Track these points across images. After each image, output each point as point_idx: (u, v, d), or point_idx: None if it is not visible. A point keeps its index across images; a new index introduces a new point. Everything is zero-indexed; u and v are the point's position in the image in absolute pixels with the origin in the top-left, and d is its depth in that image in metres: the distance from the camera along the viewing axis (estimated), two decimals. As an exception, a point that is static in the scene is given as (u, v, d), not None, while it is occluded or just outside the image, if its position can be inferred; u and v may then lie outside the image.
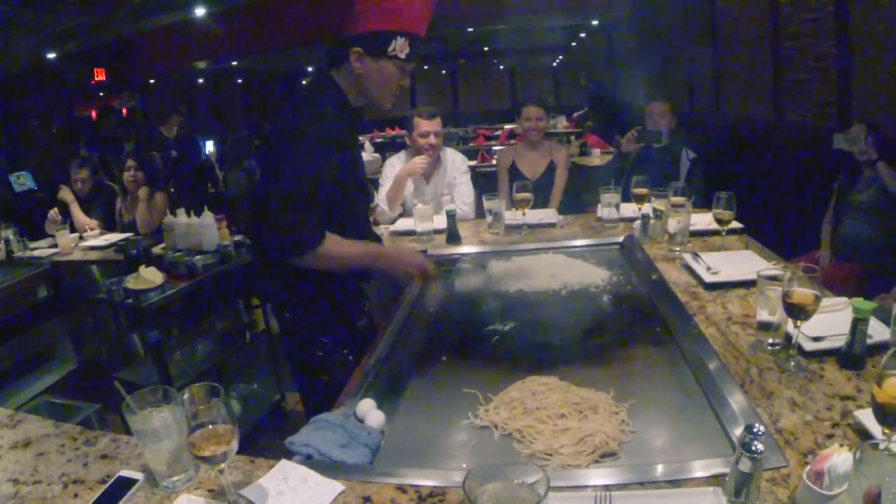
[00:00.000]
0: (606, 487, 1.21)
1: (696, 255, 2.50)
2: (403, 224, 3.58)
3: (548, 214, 3.49)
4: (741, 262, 2.42)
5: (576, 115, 10.51)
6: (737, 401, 1.47)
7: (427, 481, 1.27)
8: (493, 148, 8.50)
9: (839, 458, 1.07)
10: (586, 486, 1.22)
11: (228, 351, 3.88)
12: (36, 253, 4.33)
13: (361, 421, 1.51)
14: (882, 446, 1.05)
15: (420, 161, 3.64)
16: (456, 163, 3.92)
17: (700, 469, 1.24)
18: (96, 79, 10.31)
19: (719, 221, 2.65)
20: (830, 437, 1.32)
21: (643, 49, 8.55)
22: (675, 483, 1.21)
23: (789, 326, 1.65)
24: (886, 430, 1.18)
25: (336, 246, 2.03)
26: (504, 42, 13.32)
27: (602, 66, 11.55)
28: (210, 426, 1.18)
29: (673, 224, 2.77)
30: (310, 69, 12.96)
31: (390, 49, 1.99)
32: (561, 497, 1.16)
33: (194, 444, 1.16)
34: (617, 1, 8.89)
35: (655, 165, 3.91)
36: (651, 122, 4.16)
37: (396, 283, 2.45)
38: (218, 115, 14.19)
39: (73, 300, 4.25)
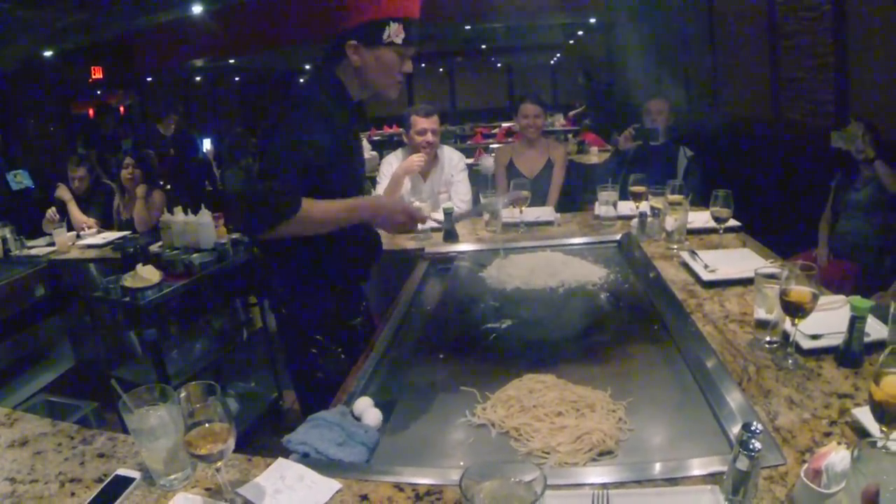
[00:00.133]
0: (604, 486, 1.20)
1: (693, 253, 2.50)
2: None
3: (545, 212, 3.49)
4: (739, 260, 2.42)
5: (572, 113, 10.50)
6: (734, 399, 1.47)
7: (424, 479, 1.26)
8: (491, 146, 8.49)
9: (837, 456, 1.07)
10: (583, 485, 1.22)
11: (226, 349, 3.88)
12: (33, 251, 4.32)
13: (358, 419, 1.51)
14: (880, 444, 1.05)
15: (417, 159, 3.64)
16: (453, 161, 3.92)
17: (698, 467, 1.24)
18: (94, 77, 10.28)
19: (717, 219, 2.65)
20: (828, 435, 1.32)
21: (641, 47, 8.53)
22: (672, 481, 1.21)
23: (787, 324, 1.65)
24: (884, 429, 1.18)
25: (314, 207, 1.96)
26: (501, 40, 13.32)
27: (600, 64, 11.54)
28: (207, 424, 1.18)
29: (670, 222, 2.77)
30: (307, 66, 12.93)
31: (385, 37, 1.98)
32: (558, 495, 1.16)
33: (191, 443, 1.16)
34: (615, -1, 8.90)
35: (653, 163, 3.90)
36: (649, 120, 4.15)
37: (393, 275, 2.43)
38: (215, 113, 14.17)
39: (71, 299, 4.24)
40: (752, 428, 1.08)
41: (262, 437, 3.48)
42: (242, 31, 9.64)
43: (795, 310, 1.56)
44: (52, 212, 4.53)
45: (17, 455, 1.43)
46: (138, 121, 11.12)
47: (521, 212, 3.26)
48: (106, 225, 4.85)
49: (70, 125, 9.95)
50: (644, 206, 3.02)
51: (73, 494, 1.28)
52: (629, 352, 1.92)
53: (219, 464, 1.20)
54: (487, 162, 2.87)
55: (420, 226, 3.22)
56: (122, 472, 1.32)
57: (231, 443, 1.18)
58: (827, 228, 3.95)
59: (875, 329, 1.68)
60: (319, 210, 1.98)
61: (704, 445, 1.37)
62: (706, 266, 2.35)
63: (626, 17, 8.75)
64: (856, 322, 1.54)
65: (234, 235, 3.75)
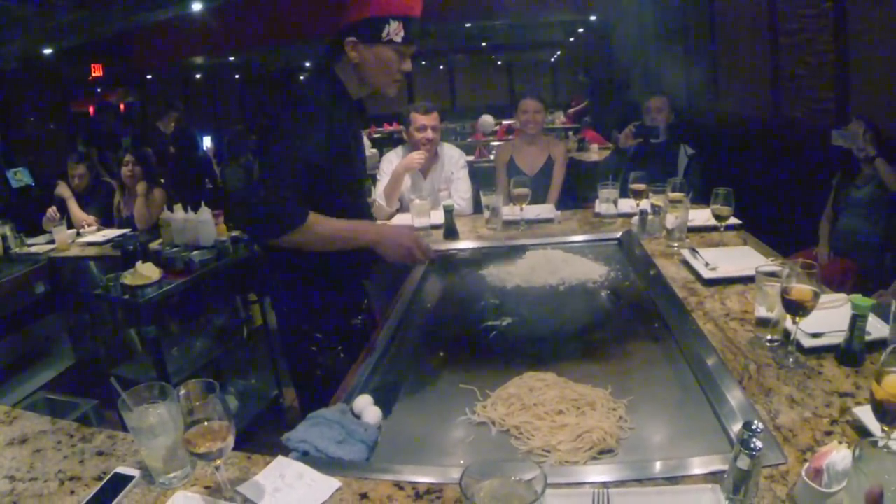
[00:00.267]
0: (604, 484, 1.20)
1: (694, 251, 2.49)
2: (401, 219, 3.57)
3: (545, 210, 3.48)
4: (739, 258, 2.41)
5: (572, 110, 10.48)
6: (735, 397, 1.47)
7: (424, 478, 1.26)
8: (492, 143, 8.48)
9: (838, 455, 1.07)
10: (584, 483, 1.22)
11: (226, 347, 3.88)
12: (33, 249, 4.33)
13: (358, 417, 1.51)
14: (881, 444, 1.04)
15: (418, 156, 3.63)
16: (454, 158, 3.91)
17: (698, 466, 1.23)
18: (93, 74, 10.28)
19: (717, 217, 2.64)
20: (829, 433, 1.31)
21: (641, 45, 8.53)
22: (673, 480, 1.21)
23: (788, 323, 1.65)
24: (885, 428, 1.17)
25: (319, 222, 1.97)
26: (502, 38, 13.32)
27: (600, 61, 11.53)
28: (206, 423, 1.17)
29: (671, 220, 2.77)
30: (307, 64, 12.92)
31: (384, 34, 1.97)
32: (558, 494, 1.15)
33: (190, 441, 1.16)
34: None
35: (653, 161, 3.90)
36: (649, 118, 4.15)
37: (394, 273, 2.43)
38: (215, 110, 14.16)
39: (71, 296, 4.24)
40: (753, 427, 1.08)
41: (261, 434, 3.48)
42: (242, 29, 9.64)
43: (797, 308, 1.56)
44: (52, 210, 4.53)
45: (17, 453, 1.43)
46: (138, 118, 11.10)
47: (521, 209, 3.25)
48: (106, 222, 4.85)
49: (70, 123, 9.94)
50: (644, 203, 3.02)
51: (72, 493, 1.28)
52: (630, 350, 1.92)
53: (218, 462, 1.19)
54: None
55: (418, 222, 3.24)
56: (121, 470, 1.32)
57: (230, 441, 1.18)
58: (827, 226, 3.94)
59: (876, 328, 1.67)
60: (325, 226, 2.00)
61: (705, 444, 1.37)
62: (707, 264, 2.34)
63: (627, 15, 8.75)
64: (857, 321, 1.54)
65: (235, 233, 3.75)
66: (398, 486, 1.25)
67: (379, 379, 1.81)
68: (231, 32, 9.57)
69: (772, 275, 1.70)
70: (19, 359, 4.08)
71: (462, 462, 1.36)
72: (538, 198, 3.65)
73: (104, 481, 1.29)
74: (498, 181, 4.16)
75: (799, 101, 4.97)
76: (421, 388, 1.77)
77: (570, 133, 8.97)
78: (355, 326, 2.28)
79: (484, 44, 14.54)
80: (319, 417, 1.46)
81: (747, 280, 2.17)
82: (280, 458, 1.33)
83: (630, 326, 2.09)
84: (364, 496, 1.22)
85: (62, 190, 4.85)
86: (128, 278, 3.16)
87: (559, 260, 2.66)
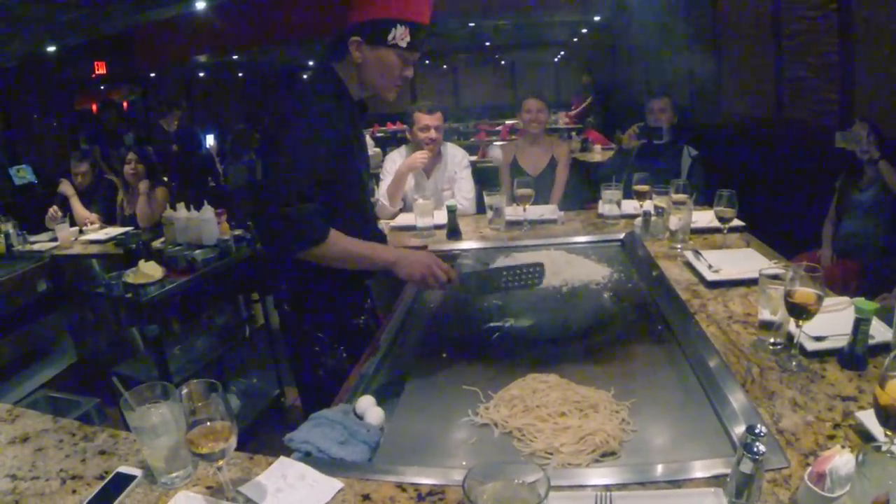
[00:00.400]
0: (607, 487, 1.20)
1: (697, 253, 2.49)
2: (404, 219, 3.57)
3: (549, 210, 3.48)
4: (742, 260, 2.41)
5: (575, 111, 10.45)
6: (738, 400, 1.47)
7: (427, 479, 1.26)
8: (495, 143, 8.47)
9: (841, 459, 1.07)
10: (586, 486, 1.22)
11: (228, 346, 3.88)
12: (36, 246, 4.33)
13: (361, 418, 1.51)
14: (884, 449, 1.04)
15: (421, 156, 3.63)
16: (457, 158, 3.91)
17: (701, 469, 1.23)
18: (97, 72, 10.28)
19: (721, 219, 2.64)
20: (832, 437, 1.31)
21: (645, 45, 8.51)
22: (675, 483, 1.21)
23: (791, 326, 1.64)
24: (888, 433, 1.17)
25: (341, 242, 1.99)
26: (505, 37, 13.28)
27: (604, 62, 11.52)
28: (209, 423, 1.17)
29: (674, 221, 2.77)
30: (311, 63, 12.92)
31: (390, 37, 1.96)
32: (561, 496, 1.15)
33: (193, 441, 1.16)
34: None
35: (657, 162, 3.89)
36: (652, 119, 4.14)
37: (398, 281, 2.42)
38: (218, 108, 14.16)
39: (73, 294, 4.24)
40: (757, 431, 1.08)
41: (263, 433, 3.48)
42: (246, 27, 9.63)
43: (800, 311, 1.56)
44: (53, 210, 4.53)
45: (19, 452, 1.43)
46: (141, 116, 11.11)
47: (524, 210, 3.25)
48: (109, 220, 4.85)
49: (73, 120, 9.95)
50: (648, 205, 3.01)
51: (74, 492, 1.28)
52: (633, 352, 1.91)
53: (220, 462, 1.19)
54: (495, 153, 2.77)
55: (421, 222, 3.24)
56: (123, 469, 1.32)
57: (233, 441, 1.18)
58: (831, 229, 3.93)
59: (879, 331, 1.67)
60: (345, 244, 2.00)
61: (707, 447, 1.37)
62: (710, 266, 2.34)
63: (630, 16, 8.74)
64: (860, 324, 1.54)
65: (237, 232, 3.75)
66: (401, 487, 1.25)
67: (381, 379, 1.81)
68: (235, 31, 9.56)
69: (775, 278, 1.70)
70: (21, 356, 4.08)
71: (465, 464, 1.37)
72: (541, 198, 3.65)
73: (106, 481, 1.29)
74: (501, 181, 4.16)
75: (802, 102, 4.96)
76: (424, 389, 1.77)
77: (574, 133, 8.95)
78: (358, 326, 2.27)
79: (487, 43, 14.52)
80: (322, 418, 1.46)
81: (750, 282, 2.17)
82: (282, 459, 1.33)
83: (633, 328, 2.09)
84: (366, 497, 1.22)
85: (65, 188, 4.86)
86: (130, 277, 3.17)
87: (562, 261, 2.66)
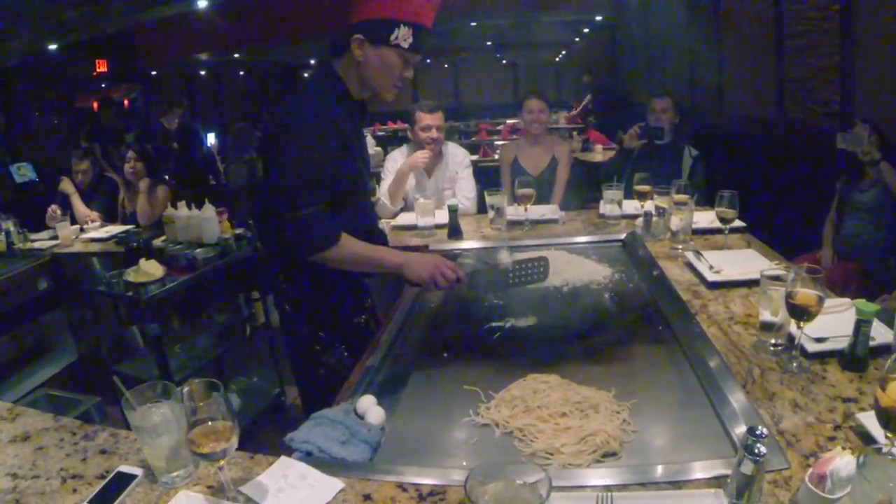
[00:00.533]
0: (607, 488, 1.20)
1: (698, 254, 2.49)
2: (405, 218, 3.57)
3: (550, 210, 3.48)
4: (743, 261, 2.41)
5: (575, 111, 10.43)
6: (738, 401, 1.47)
7: (427, 479, 1.26)
8: (496, 143, 8.47)
9: (842, 461, 1.07)
10: (587, 487, 1.22)
11: (228, 344, 3.88)
12: (36, 244, 4.33)
13: (362, 417, 1.51)
14: (885, 451, 1.04)
15: (422, 155, 3.63)
16: (458, 157, 3.91)
17: (701, 470, 1.23)
18: (98, 70, 10.28)
19: (722, 220, 2.64)
20: (832, 439, 1.31)
21: (646, 45, 8.52)
22: (676, 484, 1.21)
23: (792, 327, 1.64)
24: (889, 435, 1.17)
25: (351, 245, 2.00)
26: (507, 37, 13.28)
27: (605, 62, 11.52)
28: (210, 423, 1.17)
29: (675, 222, 2.77)
30: (311, 61, 12.92)
31: (392, 37, 1.96)
32: (562, 497, 1.15)
33: (193, 441, 1.16)
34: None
35: (658, 162, 3.89)
36: (653, 119, 4.14)
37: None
38: (219, 107, 14.16)
39: (73, 292, 4.25)
40: (758, 432, 1.08)
41: (263, 432, 3.48)
42: (247, 25, 9.63)
43: (801, 313, 1.56)
44: (52, 210, 4.52)
45: (19, 450, 1.43)
46: (142, 115, 11.11)
47: (525, 209, 3.25)
48: (109, 218, 4.86)
49: (74, 118, 9.95)
50: (649, 205, 3.01)
51: (74, 491, 1.28)
52: (633, 352, 1.92)
53: (221, 462, 1.19)
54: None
55: (422, 222, 3.23)
56: (123, 468, 1.32)
57: (234, 441, 1.18)
58: (831, 230, 3.94)
59: (880, 333, 1.67)
60: (354, 247, 2.02)
61: (708, 448, 1.37)
62: (711, 267, 2.34)
63: (632, 16, 8.74)
64: (861, 326, 1.54)
65: (238, 230, 3.75)
66: (401, 487, 1.25)
67: (382, 379, 1.81)
68: (236, 29, 9.55)
69: (776, 279, 1.70)
70: (21, 355, 4.08)
71: (465, 464, 1.37)
72: (542, 198, 3.64)
73: (107, 480, 1.29)
74: (502, 181, 4.15)
75: (804, 103, 4.96)
76: (424, 389, 1.77)
77: (575, 133, 8.95)
78: (359, 325, 2.27)
79: (489, 43, 14.52)
80: (323, 418, 1.46)
81: (751, 283, 2.17)
82: (283, 459, 1.33)
83: (634, 329, 2.09)
84: (367, 497, 1.22)
85: (66, 186, 4.87)
86: (131, 275, 3.17)
87: (563, 261, 2.66)
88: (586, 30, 11.97)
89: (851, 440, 1.31)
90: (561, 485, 1.20)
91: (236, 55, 12.65)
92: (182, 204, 3.72)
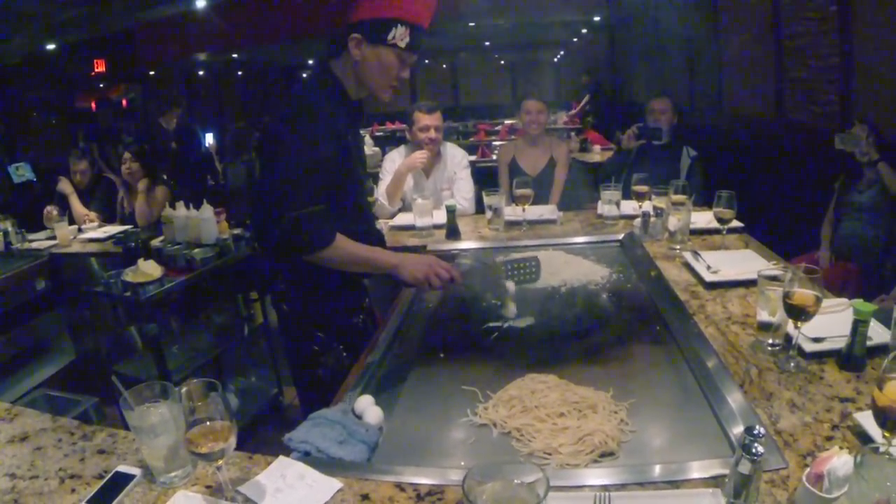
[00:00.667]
0: (605, 488, 1.20)
1: (696, 254, 2.49)
2: (403, 219, 3.57)
3: (548, 211, 3.48)
4: (741, 261, 2.41)
5: (573, 112, 10.42)
6: (736, 401, 1.47)
7: (425, 479, 1.26)
8: (494, 143, 8.47)
9: (839, 460, 1.07)
10: (585, 486, 1.22)
11: (226, 344, 3.87)
12: (34, 244, 4.32)
13: (360, 417, 1.51)
14: (882, 450, 1.04)
15: (420, 156, 3.63)
16: (456, 158, 3.91)
17: (699, 470, 1.24)
18: (96, 70, 10.27)
19: (720, 220, 2.65)
20: (830, 439, 1.32)
21: (644, 46, 8.52)
22: (674, 484, 1.21)
23: (789, 327, 1.65)
24: (886, 434, 1.17)
25: (346, 246, 2.01)
26: (505, 37, 13.28)
27: (603, 62, 11.52)
28: (208, 423, 1.17)
29: (673, 222, 2.77)
30: (310, 62, 12.91)
31: (389, 37, 1.97)
32: (559, 497, 1.15)
33: (192, 441, 1.16)
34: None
35: (656, 163, 3.89)
36: (652, 119, 4.14)
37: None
38: (218, 107, 14.15)
39: (72, 292, 4.24)
40: (755, 431, 1.08)
41: (262, 432, 3.48)
42: (245, 26, 9.62)
43: (799, 312, 1.56)
44: (48, 210, 4.51)
45: (17, 451, 1.43)
46: (140, 115, 11.10)
47: (523, 210, 3.25)
48: (107, 219, 4.85)
49: (72, 118, 9.94)
50: (647, 205, 3.02)
51: (73, 491, 1.28)
52: (631, 352, 1.92)
53: (219, 462, 1.19)
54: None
55: (420, 222, 3.23)
56: (122, 468, 1.32)
57: (232, 441, 1.18)
58: (829, 230, 3.94)
59: (877, 333, 1.68)
60: (350, 248, 2.02)
61: (706, 448, 1.37)
62: (709, 267, 2.34)
63: (631, 16, 8.74)
64: (858, 326, 1.54)
65: (236, 231, 3.75)
66: (399, 487, 1.25)
67: (380, 379, 1.81)
68: (234, 29, 9.55)
69: (774, 279, 1.70)
70: (19, 355, 4.07)
71: (463, 464, 1.37)
72: (540, 198, 3.64)
73: (105, 480, 1.29)
74: (500, 181, 4.15)
75: (802, 104, 4.96)
76: (422, 389, 1.77)
77: (573, 133, 8.94)
78: (356, 325, 2.28)
79: (487, 43, 14.53)
80: (321, 418, 1.46)
81: (749, 283, 2.17)
82: (281, 459, 1.34)
83: (632, 329, 2.09)
84: (365, 497, 1.23)
85: (64, 186, 4.86)
86: (129, 275, 3.16)
87: (561, 261, 2.66)
88: (585, 30, 11.96)
89: (849, 440, 1.31)
90: (559, 484, 1.20)
91: (234, 55, 12.65)
92: (180, 204, 3.71)
